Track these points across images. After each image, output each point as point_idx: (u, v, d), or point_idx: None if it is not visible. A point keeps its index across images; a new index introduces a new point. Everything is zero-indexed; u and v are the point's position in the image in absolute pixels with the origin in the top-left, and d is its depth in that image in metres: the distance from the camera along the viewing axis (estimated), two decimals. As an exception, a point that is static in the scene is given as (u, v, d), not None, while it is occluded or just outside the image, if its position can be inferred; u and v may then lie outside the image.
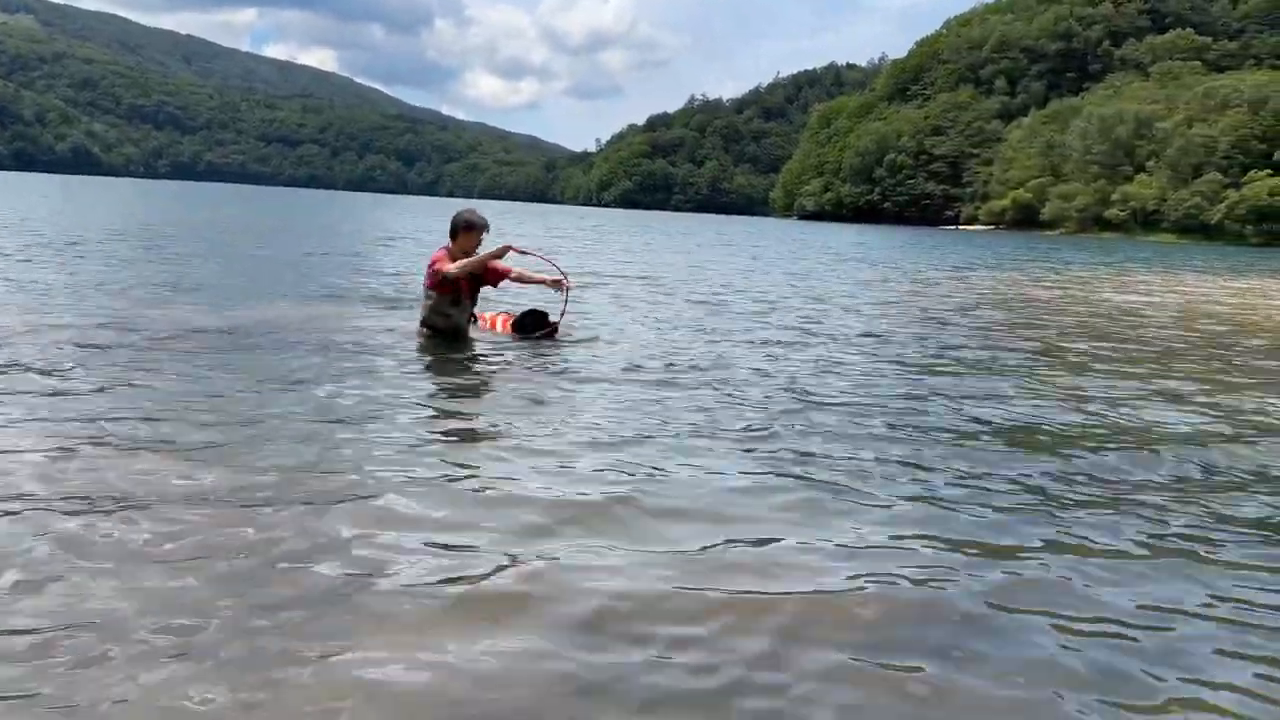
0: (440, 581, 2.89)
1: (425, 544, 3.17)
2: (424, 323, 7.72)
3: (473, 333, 7.95)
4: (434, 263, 7.56)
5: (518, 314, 8.00)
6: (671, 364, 7.08)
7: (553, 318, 7.94)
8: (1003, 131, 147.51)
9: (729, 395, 6.01)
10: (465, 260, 7.54)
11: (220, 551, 3.02)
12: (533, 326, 7.79)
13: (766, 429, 5.19)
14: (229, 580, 2.82)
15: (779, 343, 8.64)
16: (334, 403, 5.20)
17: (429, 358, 6.96)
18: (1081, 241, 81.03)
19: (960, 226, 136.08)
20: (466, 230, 7.65)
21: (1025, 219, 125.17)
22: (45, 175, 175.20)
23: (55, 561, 2.91)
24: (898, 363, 7.82)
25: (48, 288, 9.73)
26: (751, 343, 8.56)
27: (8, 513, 3.27)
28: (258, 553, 3.04)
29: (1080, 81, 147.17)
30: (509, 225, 44.03)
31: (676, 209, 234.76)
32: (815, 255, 29.88)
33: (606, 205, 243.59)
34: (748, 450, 4.72)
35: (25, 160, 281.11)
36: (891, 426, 5.33)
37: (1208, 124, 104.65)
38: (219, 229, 26.53)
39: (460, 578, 2.91)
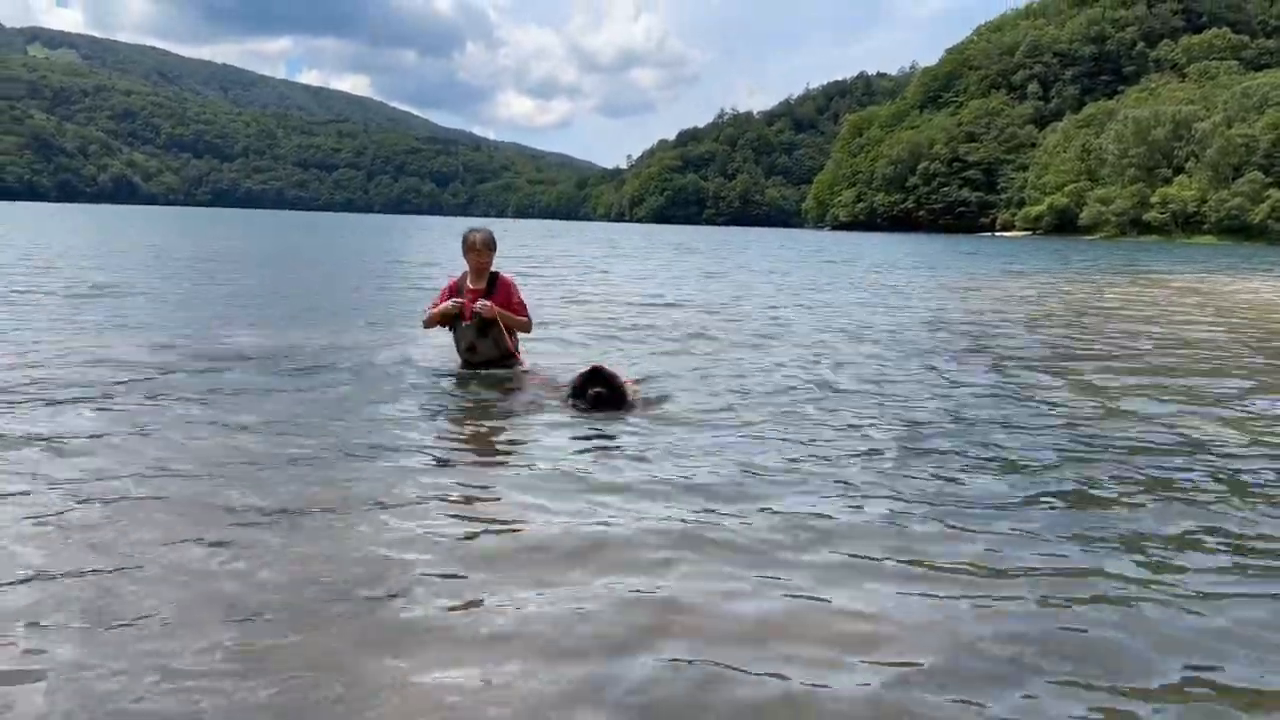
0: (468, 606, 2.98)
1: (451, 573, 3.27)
2: None
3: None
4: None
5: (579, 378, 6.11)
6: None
7: (628, 381, 6.30)
8: (1037, 136, 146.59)
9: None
10: (433, 309, 7.29)
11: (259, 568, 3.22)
12: (595, 397, 5.92)
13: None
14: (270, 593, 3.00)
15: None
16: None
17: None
18: (1131, 245, 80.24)
19: (997, 233, 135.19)
20: (464, 250, 7.33)
21: (1062, 224, 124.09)
22: (92, 206, 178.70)
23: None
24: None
25: (181, 312, 10.22)
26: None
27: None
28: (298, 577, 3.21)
29: (1115, 84, 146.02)
30: (557, 245, 44.45)
31: (709, 222, 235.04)
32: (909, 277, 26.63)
33: (639, 221, 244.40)
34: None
35: (69, 191, 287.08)
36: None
37: (1247, 123, 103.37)
38: (313, 256, 27.14)
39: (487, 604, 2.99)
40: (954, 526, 3.91)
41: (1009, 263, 35.57)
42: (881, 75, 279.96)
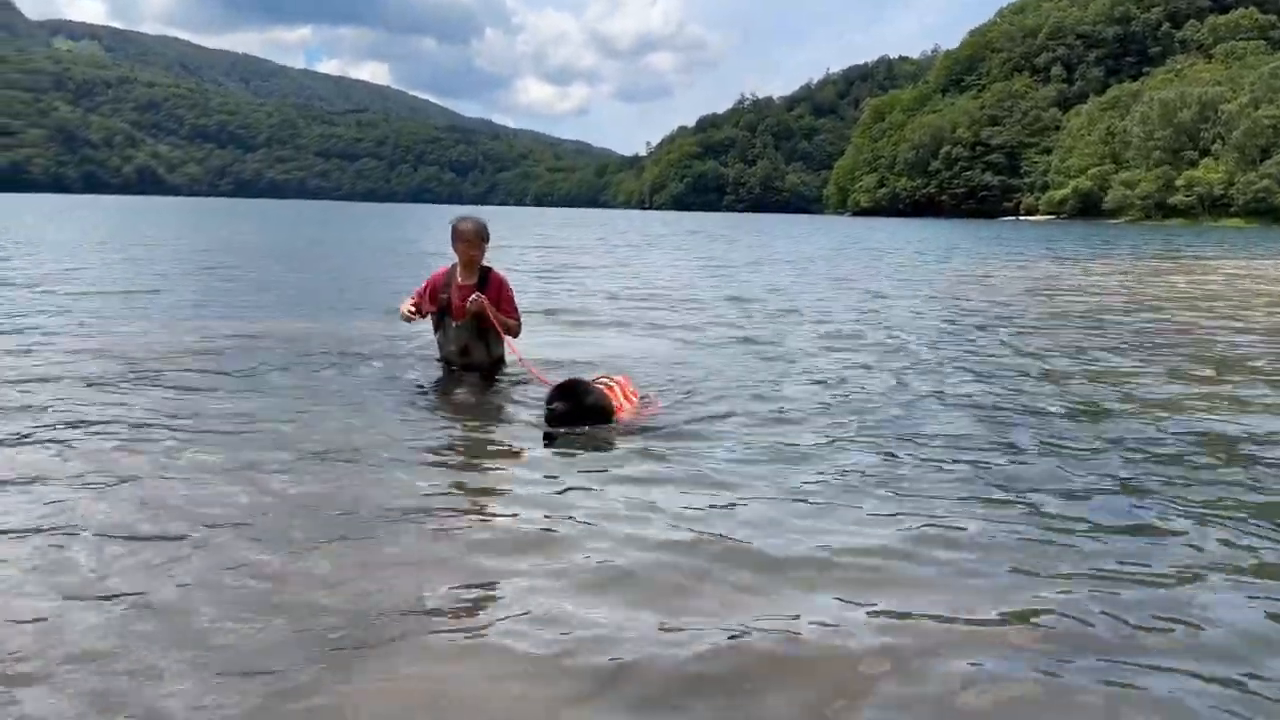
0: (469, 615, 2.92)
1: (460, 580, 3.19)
2: None
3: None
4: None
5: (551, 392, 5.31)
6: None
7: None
8: (1061, 119, 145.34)
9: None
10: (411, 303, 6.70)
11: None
12: (550, 413, 5.13)
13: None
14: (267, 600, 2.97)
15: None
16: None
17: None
18: (1160, 229, 79.54)
19: (1020, 217, 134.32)
20: (453, 241, 6.66)
21: (1086, 208, 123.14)
22: (119, 197, 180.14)
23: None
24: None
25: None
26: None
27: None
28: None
29: (1140, 66, 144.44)
30: (584, 234, 44.50)
31: (729, 209, 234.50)
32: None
33: (659, 208, 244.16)
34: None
35: (94, 183, 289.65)
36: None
37: (1275, 104, 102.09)
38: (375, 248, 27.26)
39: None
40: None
41: (1049, 247, 35.00)
42: (903, 59, 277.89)
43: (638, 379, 6.30)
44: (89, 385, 6.16)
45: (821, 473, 4.47)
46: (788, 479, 4.36)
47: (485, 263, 6.75)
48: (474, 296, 6.34)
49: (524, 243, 31.68)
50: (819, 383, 6.81)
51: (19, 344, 7.75)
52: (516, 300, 6.84)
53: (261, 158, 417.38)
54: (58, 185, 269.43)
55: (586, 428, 5.06)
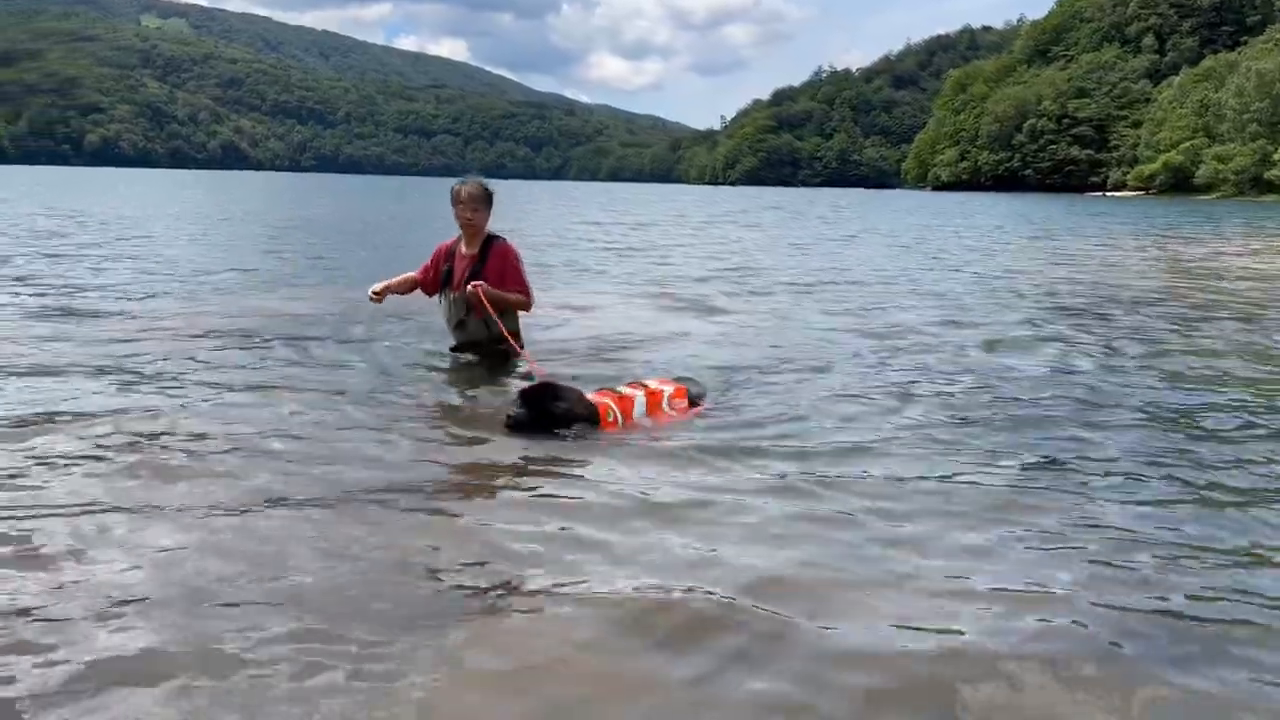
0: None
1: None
2: None
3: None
4: None
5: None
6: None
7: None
8: (1152, 92, 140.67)
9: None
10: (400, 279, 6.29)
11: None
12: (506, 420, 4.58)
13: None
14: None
15: None
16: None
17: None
18: (1259, 206, 76.78)
19: (1107, 193, 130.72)
20: (453, 205, 6.12)
21: (1177, 183, 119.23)
22: (204, 172, 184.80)
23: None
24: None
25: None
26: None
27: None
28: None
29: (1237, 35, 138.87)
30: (655, 212, 44.50)
31: (804, 184, 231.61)
32: None
33: (732, 183, 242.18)
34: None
35: (180, 158, 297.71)
36: None
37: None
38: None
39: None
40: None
41: (1171, 224, 33.85)
42: (986, 29, 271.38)
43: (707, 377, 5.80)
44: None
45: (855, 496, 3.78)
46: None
47: (491, 230, 6.22)
48: (470, 286, 5.79)
49: (600, 217, 31.91)
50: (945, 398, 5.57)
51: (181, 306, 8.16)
52: (525, 272, 6.20)
53: (341, 133, 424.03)
54: (145, 160, 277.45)
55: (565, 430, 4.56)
